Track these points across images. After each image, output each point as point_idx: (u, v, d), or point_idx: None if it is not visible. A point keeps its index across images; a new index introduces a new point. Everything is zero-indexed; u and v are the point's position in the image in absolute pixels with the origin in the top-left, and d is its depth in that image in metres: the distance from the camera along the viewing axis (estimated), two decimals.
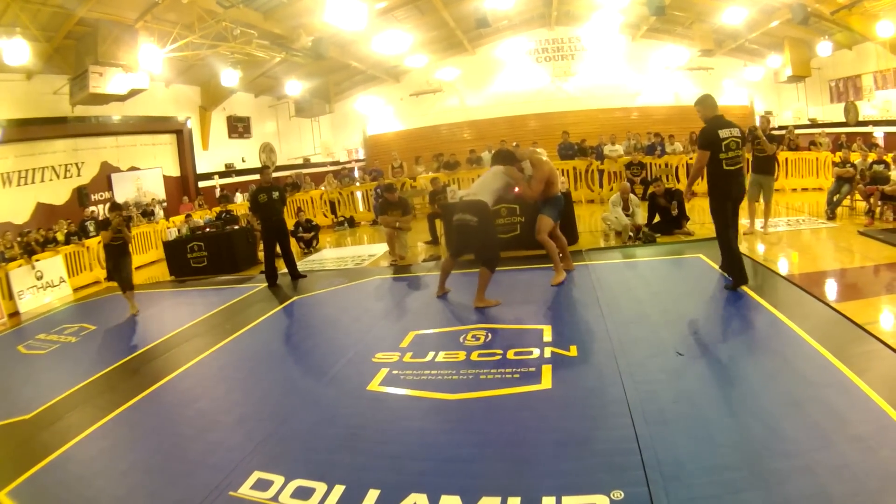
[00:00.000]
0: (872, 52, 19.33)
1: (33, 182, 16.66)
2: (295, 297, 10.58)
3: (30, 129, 16.20)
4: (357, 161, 28.03)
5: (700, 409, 4.77)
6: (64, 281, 14.28)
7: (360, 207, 21.09)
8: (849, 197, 13.19)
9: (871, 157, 13.45)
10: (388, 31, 19.29)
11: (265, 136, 25.97)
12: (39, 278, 13.66)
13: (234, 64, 18.49)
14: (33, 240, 14.41)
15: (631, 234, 12.14)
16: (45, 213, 16.64)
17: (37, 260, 13.75)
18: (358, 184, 21.89)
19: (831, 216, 12.87)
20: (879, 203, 12.14)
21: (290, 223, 14.73)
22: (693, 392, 5.09)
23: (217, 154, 22.95)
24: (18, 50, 13.12)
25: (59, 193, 17.38)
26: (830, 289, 8.24)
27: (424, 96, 27.43)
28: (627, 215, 12.41)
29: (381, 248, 13.90)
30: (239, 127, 24.32)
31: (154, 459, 5.08)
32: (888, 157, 13.00)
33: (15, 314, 12.89)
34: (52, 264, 14.08)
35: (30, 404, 6.75)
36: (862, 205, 12.85)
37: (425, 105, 27.55)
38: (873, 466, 3.76)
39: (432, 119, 27.50)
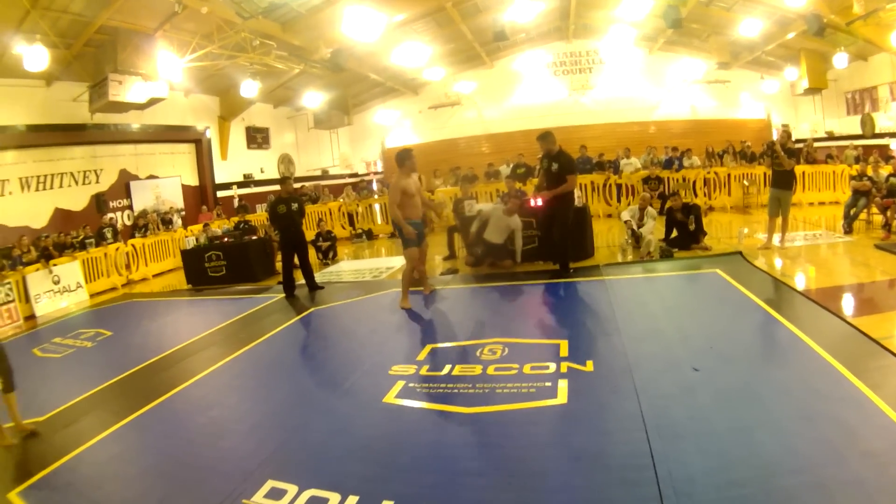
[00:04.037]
0: (888, 63, 19.29)
1: (52, 187, 16.73)
2: (312, 309, 10.59)
3: (49, 135, 16.28)
4: (375, 173, 28.11)
5: (714, 424, 4.77)
6: (81, 286, 14.38)
7: (379, 220, 21.00)
8: (865, 210, 13.15)
9: (887, 169, 13.40)
10: (406, 44, 19.36)
11: (284, 147, 26.09)
12: (56, 282, 13.76)
13: (254, 75, 18.57)
14: (50, 244, 14.52)
15: (650, 251, 12.08)
16: (63, 219, 16.74)
17: (54, 264, 13.84)
18: (376, 196, 21.87)
19: (848, 230, 12.83)
20: None
21: (309, 235, 14.76)
22: (707, 407, 5.09)
23: (235, 164, 23.05)
24: (38, 56, 13.18)
25: (77, 199, 17.48)
26: (847, 303, 8.22)
27: (442, 109, 27.52)
28: (640, 225, 12.39)
29: (399, 260, 13.87)
30: (258, 137, 24.42)
31: (166, 465, 5.12)
32: None
33: (31, 317, 12.99)
34: (69, 269, 14.19)
35: (43, 406, 6.79)
36: (879, 218, 12.79)
37: (443, 118, 27.64)
38: (885, 483, 3.76)
39: (450, 132, 27.57)
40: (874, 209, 13.03)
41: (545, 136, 10.99)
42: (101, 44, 15.09)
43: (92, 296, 14.54)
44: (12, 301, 12.74)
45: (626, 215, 12.80)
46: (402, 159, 9.69)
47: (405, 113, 27.99)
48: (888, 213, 12.20)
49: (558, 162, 10.72)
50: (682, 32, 21.74)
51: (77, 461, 5.36)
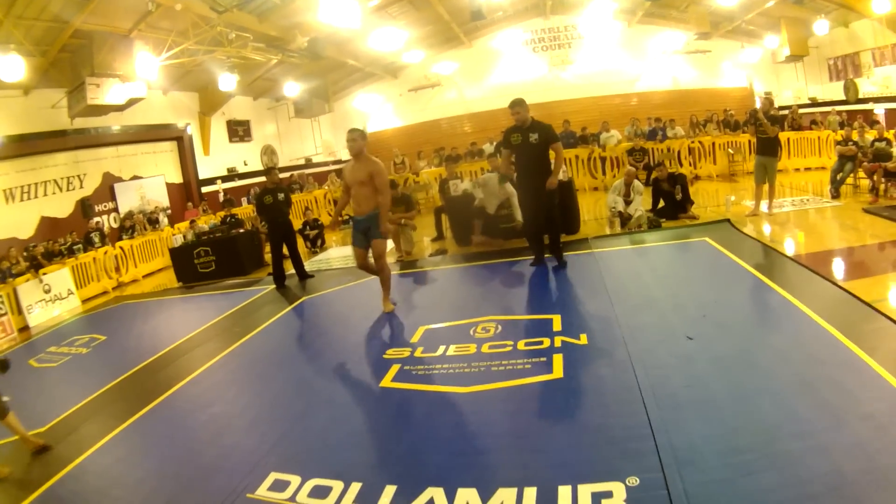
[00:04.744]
0: (869, 29, 19.29)
1: (36, 196, 16.56)
2: (304, 298, 10.58)
3: (30, 144, 16.09)
4: None
5: (712, 392, 4.80)
6: (72, 293, 14.26)
7: None
8: (852, 175, 13.20)
9: (872, 134, 13.46)
10: (383, 28, 19.28)
11: (266, 138, 25.92)
12: (47, 291, 13.64)
13: (231, 68, 18.45)
14: (39, 253, 14.41)
15: (641, 224, 12.04)
16: (49, 227, 16.58)
17: (44, 273, 13.71)
18: None
19: (835, 195, 12.87)
20: (883, 180, 12.14)
21: (296, 224, 14.73)
22: (704, 376, 5.11)
23: (218, 159, 22.89)
24: (14, 66, 13.02)
25: (62, 206, 17.30)
26: (837, 268, 8.27)
27: (423, 91, 27.41)
28: (627, 202, 12.37)
29: (388, 244, 13.85)
30: (239, 130, 24.26)
31: (170, 466, 5.10)
32: (889, 134, 12.99)
33: (25, 328, 12.86)
34: (59, 277, 14.06)
35: (44, 417, 6.73)
36: (865, 182, 12.86)
37: (424, 100, 27.55)
38: (886, 444, 3.78)
39: (432, 114, 27.51)
40: (861, 174, 13.09)
41: (519, 103, 9.30)
42: (76, 48, 14.96)
43: (83, 301, 14.45)
44: (5, 314, 12.60)
45: (611, 199, 12.66)
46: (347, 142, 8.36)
47: (386, 97, 27.92)
48: (875, 177, 12.25)
49: (537, 132, 9.22)
50: (661, 4, 21.71)
51: (81, 469, 5.34)
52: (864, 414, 4.15)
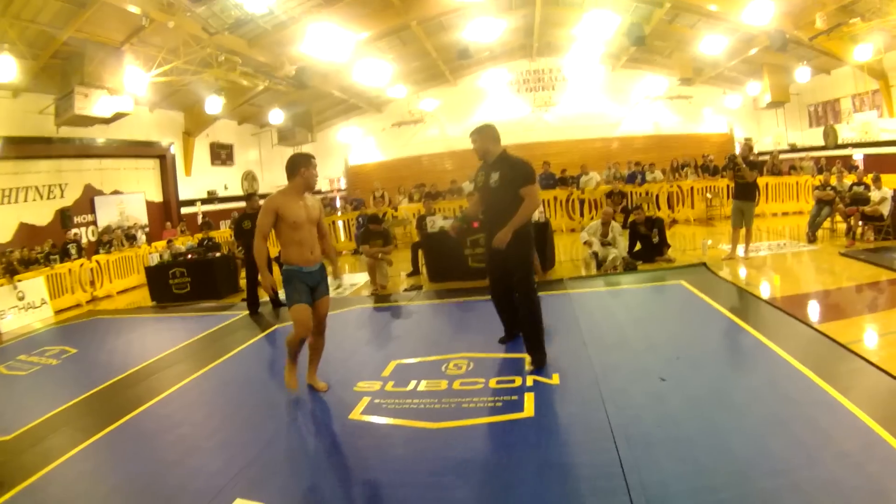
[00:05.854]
0: (850, 76, 19.67)
1: (17, 201, 16.50)
2: (277, 326, 10.47)
3: (15, 148, 16.04)
4: (339, 190, 28.08)
5: (684, 431, 4.79)
6: (45, 303, 14.18)
7: (342, 237, 21.00)
8: (829, 219, 13.38)
9: (850, 178, 13.68)
10: (370, 62, 19.39)
11: (248, 163, 25.99)
12: (21, 299, 13.57)
13: (218, 90, 18.48)
14: (15, 259, 14.31)
15: (616, 266, 12.08)
16: (27, 234, 16.52)
17: (19, 280, 13.63)
18: (339, 213, 21.89)
19: (812, 239, 13.05)
20: (860, 224, 12.32)
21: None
22: (677, 415, 5.10)
23: (199, 180, 22.90)
24: (5, 66, 13.09)
25: (42, 214, 17.24)
26: (813, 310, 8.37)
27: (406, 126, 27.71)
28: (605, 244, 12.39)
29: (363, 277, 13.82)
30: (222, 154, 24.28)
31: (135, 485, 4.99)
32: (867, 179, 13.18)
33: None
34: (33, 285, 13.99)
35: (10, 425, 6.66)
36: (842, 226, 13.07)
37: (407, 135, 27.82)
38: (861, 482, 3.80)
39: (414, 149, 27.79)
40: (838, 218, 13.27)
41: (479, 130, 7.22)
42: (68, 55, 15.02)
43: (56, 312, 14.35)
44: None
45: (584, 236, 12.71)
46: (292, 168, 6.37)
47: (368, 130, 28.18)
48: (852, 221, 12.43)
49: (499, 171, 6.83)
50: (645, 49, 21.98)
51: (45, 481, 5.23)
52: (838, 453, 4.17)
